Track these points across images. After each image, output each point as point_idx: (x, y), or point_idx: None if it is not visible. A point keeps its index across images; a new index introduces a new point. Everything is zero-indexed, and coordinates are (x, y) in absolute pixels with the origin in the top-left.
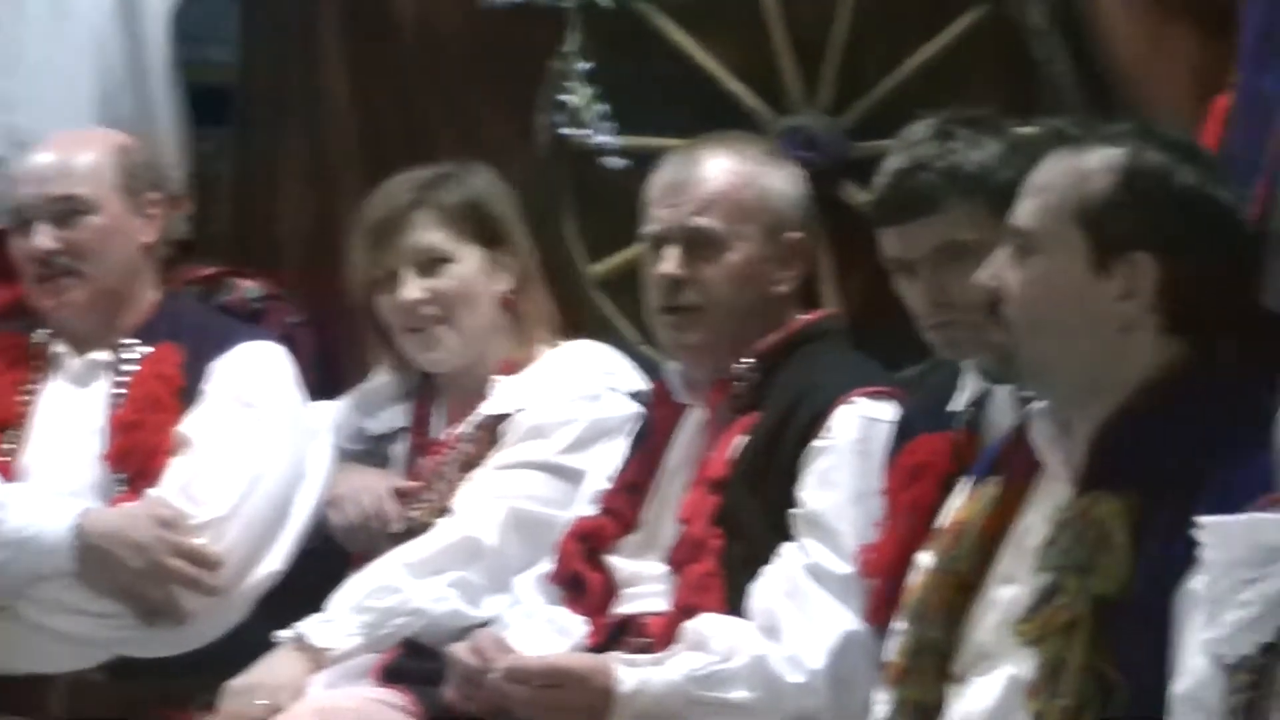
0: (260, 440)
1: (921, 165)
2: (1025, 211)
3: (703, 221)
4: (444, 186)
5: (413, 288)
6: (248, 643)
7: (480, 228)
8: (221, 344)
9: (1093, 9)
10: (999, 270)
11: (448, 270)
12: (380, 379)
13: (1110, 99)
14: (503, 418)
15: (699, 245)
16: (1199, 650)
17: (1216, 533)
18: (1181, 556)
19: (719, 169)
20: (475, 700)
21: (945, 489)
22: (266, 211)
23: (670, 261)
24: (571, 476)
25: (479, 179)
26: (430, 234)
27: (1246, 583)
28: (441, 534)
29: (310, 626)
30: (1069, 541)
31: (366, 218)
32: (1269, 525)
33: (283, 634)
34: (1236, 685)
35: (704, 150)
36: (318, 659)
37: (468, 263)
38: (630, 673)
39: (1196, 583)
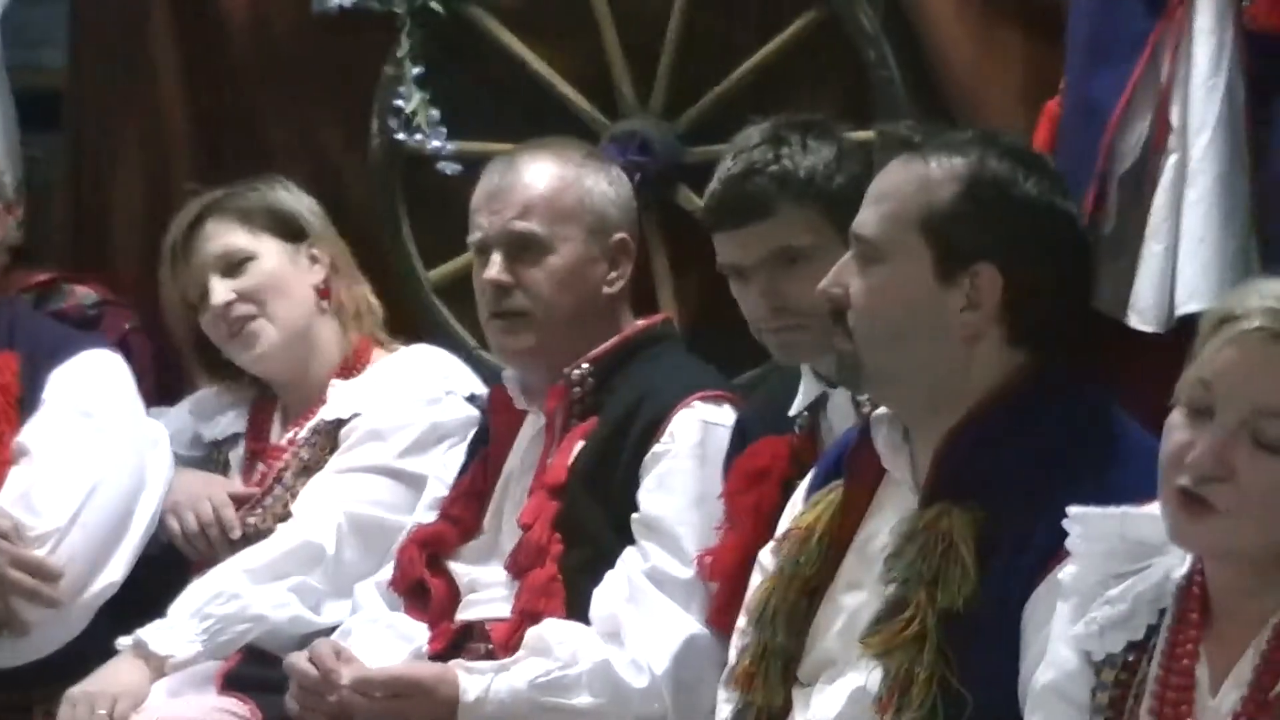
0: (99, 450)
1: (754, 170)
2: (868, 219)
3: (524, 226)
4: (233, 195)
5: (221, 291)
6: (88, 651)
7: (277, 223)
8: (59, 352)
9: (922, 13)
10: (841, 277)
11: (252, 268)
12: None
13: (941, 103)
14: (341, 422)
15: (522, 250)
16: (1067, 643)
17: (1086, 524)
18: (1028, 568)
19: (539, 173)
20: (317, 710)
21: (786, 492)
22: (100, 216)
23: (495, 268)
24: (411, 481)
25: (269, 185)
26: (226, 237)
27: (1115, 578)
28: (281, 539)
29: (151, 633)
30: (915, 554)
31: (164, 246)
32: (1139, 520)
33: (123, 641)
34: (1104, 683)
35: (524, 155)
36: (158, 666)
37: (270, 257)
38: (474, 681)
39: (1064, 574)
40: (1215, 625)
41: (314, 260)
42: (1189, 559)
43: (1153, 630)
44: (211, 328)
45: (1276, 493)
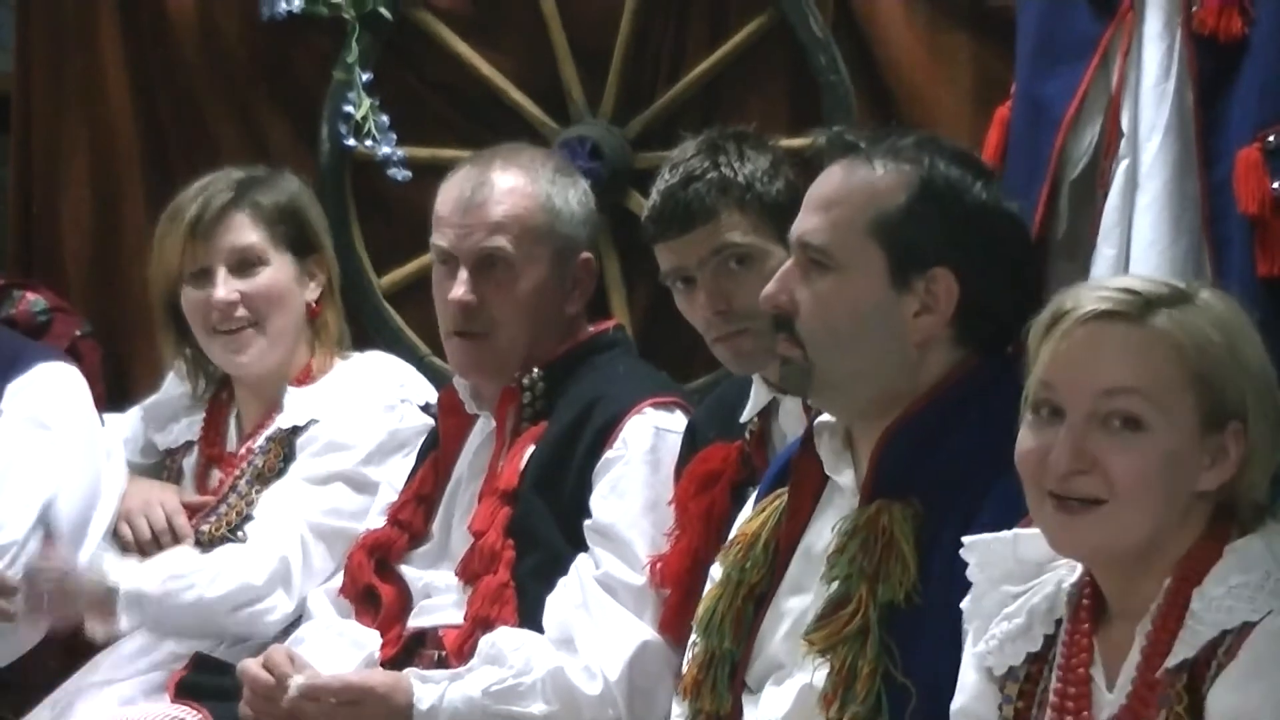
0: (56, 463)
1: (694, 177)
2: (816, 226)
3: (493, 248)
4: (262, 188)
5: (226, 288)
6: (36, 665)
7: (295, 234)
8: (16, 364)
9: (871, 17)
10: (786, 284)
11: (261, 273)
12: (169, 391)
13: (891, 108)
14: (297, 429)
15: (489, 269)
16: (971, 665)
17: (980, 552)
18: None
19: (510, 191)
20: (269, 715)
21: (736, 498)
22: (49, 220)
23: (462, 287)
24: (369, 488)
25: (293, 184)
26: (248, 235)
27: (1012, 597)
28: (249, 564)
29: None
30: (856, 549)
31: (183, 212)
32: (1030, 540)
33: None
34: (1008, 696)
35: (495, 167)
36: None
37: (281, 268)
38: (428, 689)
39: (965, 602)
40: (1109, 625)
41: (312, 276)
42: (1078, 567)
43: (1050, 640)
44: (198, 311)
45: (1143, 471)
